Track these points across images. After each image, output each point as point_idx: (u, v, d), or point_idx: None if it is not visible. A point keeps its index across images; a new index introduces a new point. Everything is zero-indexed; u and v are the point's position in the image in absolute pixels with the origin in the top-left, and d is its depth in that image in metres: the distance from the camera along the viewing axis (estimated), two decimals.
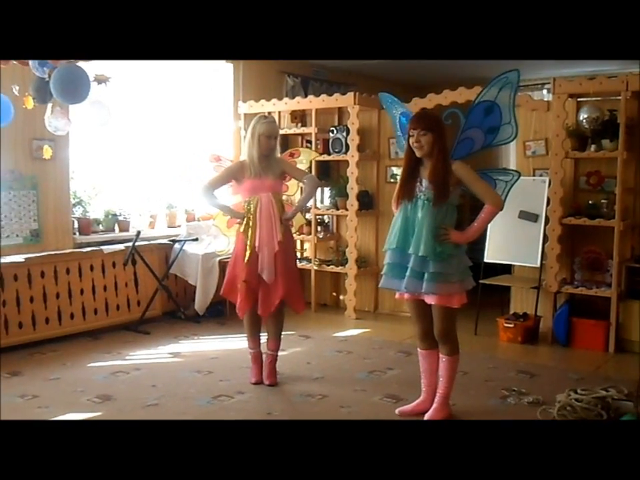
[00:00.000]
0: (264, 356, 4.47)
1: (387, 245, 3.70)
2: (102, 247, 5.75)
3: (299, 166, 4.58)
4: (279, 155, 4.41)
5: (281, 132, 6.64)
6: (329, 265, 6.63)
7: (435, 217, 3.52)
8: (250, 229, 4.22)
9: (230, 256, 4.47)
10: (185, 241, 6.24)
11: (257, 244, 4.19)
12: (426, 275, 3.53)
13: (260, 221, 4.20)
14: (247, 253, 4.20)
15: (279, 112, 6.80)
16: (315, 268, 6.60)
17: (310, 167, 6.47)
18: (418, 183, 3.59)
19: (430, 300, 3.60)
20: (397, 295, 3.78)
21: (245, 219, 4.26)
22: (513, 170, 3.86)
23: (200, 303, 6.17)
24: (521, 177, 3.72)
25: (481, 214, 3.56)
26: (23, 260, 5.18)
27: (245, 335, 4.48)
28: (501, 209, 3.56)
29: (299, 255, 7.02)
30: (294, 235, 4.63)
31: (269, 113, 6.86)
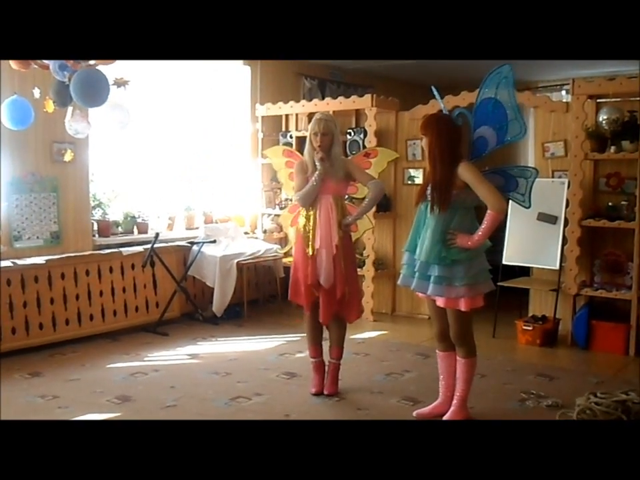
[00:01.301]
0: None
1: (404, 246, 3.75)
2: (121, 249, 5.80)
3: (375, 167, 4.46)
4: (342, 156, 4.24)
5: (298, 134, 6.71)
6: None
7: (442, 221, 3.51)
8: (310, 231, 4.11)
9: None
10: (203, 242, 6.27)
11: (317, 245, 4.08)
12: (431, 278, 3.55)
13: (319, 223, 4.09)
14: (310, 254, 4.09)
15: (296, 114, 6.82)
16: None
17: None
18: (427, 187, 3.59)
19: (439, 302, 3.61)
20: (417, 292, 3.78)
21: (305, 220, 4.15)
22: (530, 167, 3.83)
23: (218, 304, 6.19)
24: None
25: (485, 219, 3.50)
26: (44, 261, 5.24)
27: (307, 342, 4.34)
28: (504, 212, 3.53)
29: None
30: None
31: (286, 115, 6.90)
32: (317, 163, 4.05)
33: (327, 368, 4.30)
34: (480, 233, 3.51)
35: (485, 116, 3.59)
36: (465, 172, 3.48)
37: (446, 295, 3.54)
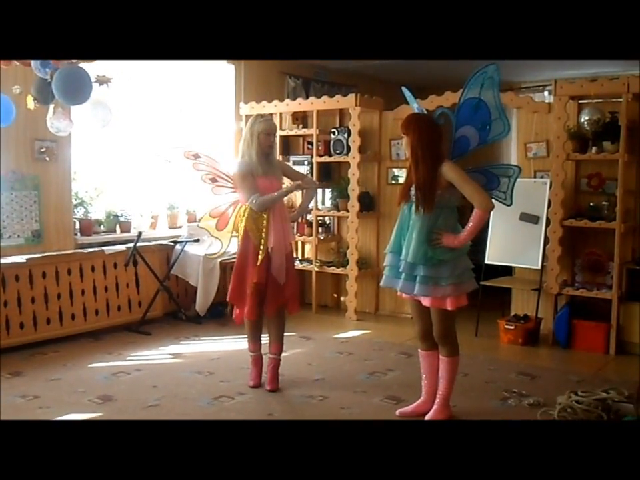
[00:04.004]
0: (264, 359, 4.46)
1: (387, 247, 3.75)
2: (103, 248, 5.76)
3: None
4: (278, 157, 4.45)
5: (282, 133, 6.72)
6: (329, 266, 6.63)
7: (427, 221, 3.51)
8: (263, 230, 4.14)
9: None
10: (186, 241, 6.25)
11: (270, 245, 4.14)
12: (417, 278, 3.55)
13: (273, 222, 4.15)
14: (260, 255, 4.13)
15: (280, 113, 6.81)
16: (316, 269, 6.60)
17: (312, 168, 6.51)
18: (411, 187, 3.59)
19: (424, 302, 3.62)
20: (398, 293, 3.78)
21: (254, 221, 4.17)
22: (513, 165, 3.86)
23: (201, 303, 6.17)
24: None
25: (471, 218, 3.52)
26: (25, 260, 5.19)
27: (246, 337, 4.46)
28: (490, 210, 3.53)
29: (299, 256, 7.04)
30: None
31: (271, 114, 6.88)
32: (291, 185, 4.31)
33: (266, 364, 4.41)
34: (466, 232, 3.53)
35: (467, 116, 3.61)
36: (449, 172, 3.49)
37: (432, 295, 3.55)
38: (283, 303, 4.31)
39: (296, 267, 4.62)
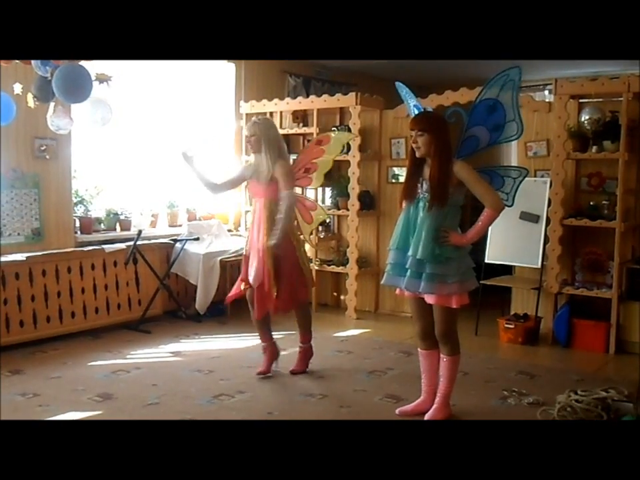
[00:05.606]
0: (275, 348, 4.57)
1: (390, 245, 3.74)
2: (103, 246, 5.76)
3: (329, 153, 4.54)
4: (272, 158, 4.25)
5: (283, 132, 6.69)
6: (329, 265, 6.63)
7: (436, 219, 3.52)
8: (248, 231, 4.42)
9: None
10: (186, 240, 6.25)
11: (247, 247, 4.38)
12: (424, 275, 3.55)
13: (252, 225, 4.38)
14: (244, 253, 4.39)
15: (281, 112, 6.81)
16: (316, 268, 6.60)
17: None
18: (420, 184, 3.59)
19: (429, 300, 3.62)
20: (397, 291, 3.78)
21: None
22: (520, 167, 3.87)
23: (201, 302, 6.17)
24: None
25: (481, 217, 3.54)
26: (25, 258, 5.19)
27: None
28: (501, 211, 3.53)
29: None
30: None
31: (271, 113, 6.89)
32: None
33: (297, 352, 4.62)
34: (474, 231, 3.57)
35: (481, 116, 3.61)
36: (461, 170, 3.50)
37: (438, 292, 3.56)
38: (272, 308, 4.36)
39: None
